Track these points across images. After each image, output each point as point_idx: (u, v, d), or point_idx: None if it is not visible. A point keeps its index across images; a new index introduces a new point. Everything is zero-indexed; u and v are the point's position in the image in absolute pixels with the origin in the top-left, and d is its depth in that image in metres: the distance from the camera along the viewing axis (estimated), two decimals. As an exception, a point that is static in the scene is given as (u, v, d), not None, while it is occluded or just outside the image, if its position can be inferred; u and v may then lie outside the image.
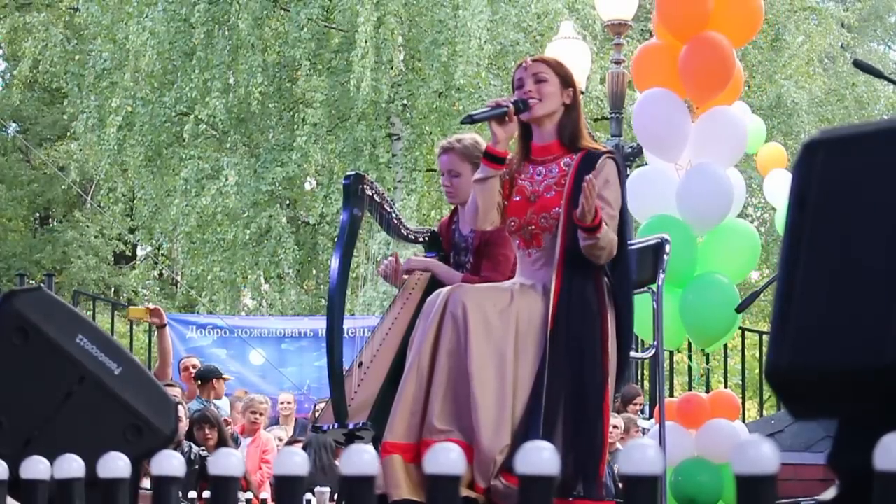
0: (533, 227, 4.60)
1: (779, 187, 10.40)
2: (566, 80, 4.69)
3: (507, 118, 4.59)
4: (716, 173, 6.36)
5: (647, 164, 6.77)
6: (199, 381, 9.81)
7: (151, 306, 8.79)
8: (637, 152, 11.04)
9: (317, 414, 7.69)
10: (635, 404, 10.97)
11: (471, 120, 4.75)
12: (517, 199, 4.67)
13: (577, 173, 4.52)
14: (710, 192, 6.33)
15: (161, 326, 8.46)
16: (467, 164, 5.25)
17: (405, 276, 5.60)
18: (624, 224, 4.56)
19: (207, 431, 8.43)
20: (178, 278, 21.22)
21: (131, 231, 21.61)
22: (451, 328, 4.38)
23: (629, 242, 4.72)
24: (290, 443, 9.69)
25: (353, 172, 5.31)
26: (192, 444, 8.05)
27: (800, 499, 5.49)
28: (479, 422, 4.26)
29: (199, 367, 10.07)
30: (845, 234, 2.35)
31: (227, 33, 18.21)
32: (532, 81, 4.66)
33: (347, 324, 5.45)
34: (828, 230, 2.38)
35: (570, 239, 4.46)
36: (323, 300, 18.28)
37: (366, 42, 16.81)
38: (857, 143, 2.41)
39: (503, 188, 4.71)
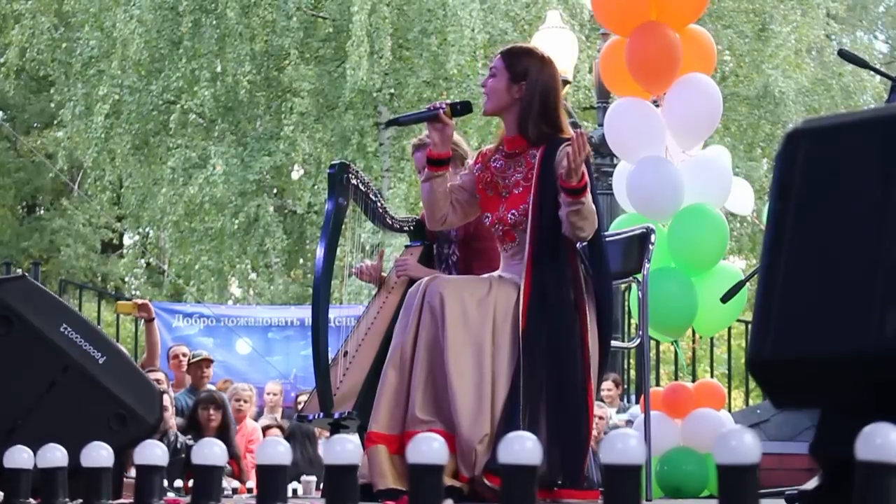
0: (504, 224, 4.58)
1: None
2: (518, 75, 4.57)
3: (438, 121, 4.59)
4: (718, 162, 6.42)
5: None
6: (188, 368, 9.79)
7: (139, 301, 8.78)
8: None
9: (299, 406, 7.69)
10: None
11: (396, 123, 4.86)
12: (491, 194, 4.66)
13: (542, 166, 4.48)
14: (714, 181, 6.38)
15: (149, 320, 8.45)
16: None
17: (383, 275, 5.63)
18: (597, 209, 4.50)
19: (212, 412, 8.43)
20: (166, 267, 21.18)
21: (119, 220, 21.57)
22: (428, 319, 4.38)
23: (614, 232, 4.71)
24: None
25: (338, 161, 5.32)
26: (178, 434, 8.04)
27: (785, 488, 5.49)
28: (458, 411, 4.25)
29: (190, 355, 10.03)
30: (828, 224, 2.35)
31: (214, 22, 18.16)
32: (488, 76, 4.66)
33: (333, 313, 5.45)
34: (810, 219, 2.38)
35: (541, 233, 4.43)
36: (310, 289, 18.27)
37: (361, 31, 16.79)
38: (840, 133, 2.41)
39: (476, 183, 4.71)
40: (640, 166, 6.24)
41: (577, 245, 4.53)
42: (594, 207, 4.39)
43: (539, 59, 4.64)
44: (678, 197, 6.23)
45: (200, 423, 8.39)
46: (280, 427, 10.12)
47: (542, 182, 4.45)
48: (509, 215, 4.55)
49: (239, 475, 8.65)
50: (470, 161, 5.34)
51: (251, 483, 8.80)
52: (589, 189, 4.33)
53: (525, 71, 4.58)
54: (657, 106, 6.40)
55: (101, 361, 4.19)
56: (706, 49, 6.47)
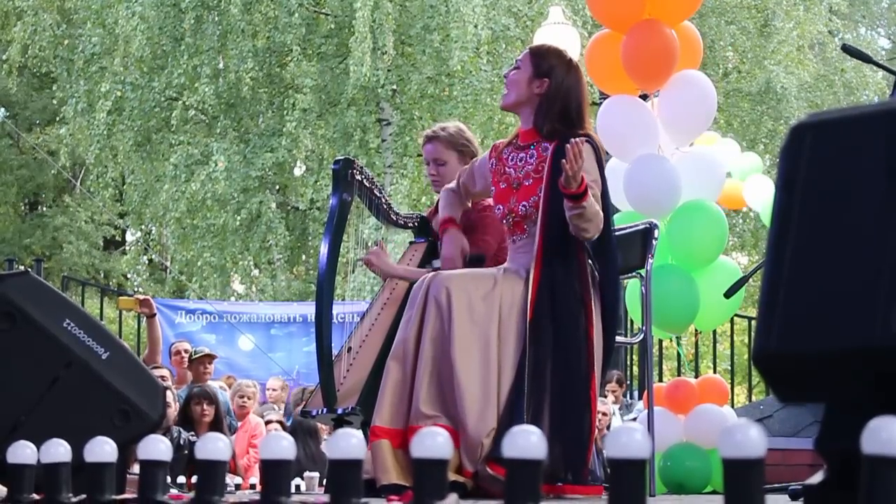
0: (514, 215, 4.59)
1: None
2: (542, 71, 4.62)
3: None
4: (707, 157, 6.40)
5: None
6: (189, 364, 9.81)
7: (141, 297, 8.79)
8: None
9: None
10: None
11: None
12: (503, 186, 4.67)
13: (555, 159, 4.49)
14: (703, 176, 6.37)
15: (151, 316, 8.44)
16: (452, 151, 5.30)
17: None
18: (606, 208, 4.53)
19: (205, 407, 8.41)
20: (168, 264, 21.18)
21: (121, 216, 21.56)
22: (434, 314, 4.38)
23: (615, 228, 4.71)
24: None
25: (342, 157, 5.30)
26: (181, 430, 8.03)
27: (788, 484, 5.49)
28: (464, 406, 4.25)
29: (192, 351, 10.04)
30: (833, 218, 2.34)
31: (216, 18, 18.15)
32: (512, 68, 4.72)
33: (337, 309, 5.45)
34: (815, 214, 2.37)
35: (551, 226, 4.45)
36: (313, 285, 18.26)
37: (364, 27, 16.78)
38: (844, 127, 2.40)
39: (492, 175, 4.73)
40: (637, 164, 6.23)
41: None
42: (598, 209, 4.41)
43: (566, 61, 4.69)
44: (675, 194, 6.23)
45: (193, 418, 8.36)
46: (281, 422, 10.13)
47: (553, 177, 4.45)
48: (520, 206, 4.57)
49: (233, 471, 8.65)
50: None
51: (253, 479, 8.81)
52: (590, 193, 4.35)
53: (549, 69, 4.63)
54: (645, 100, 6.40)
55: (104, 357, 4.18)
56: (693, 44, 6.46)
